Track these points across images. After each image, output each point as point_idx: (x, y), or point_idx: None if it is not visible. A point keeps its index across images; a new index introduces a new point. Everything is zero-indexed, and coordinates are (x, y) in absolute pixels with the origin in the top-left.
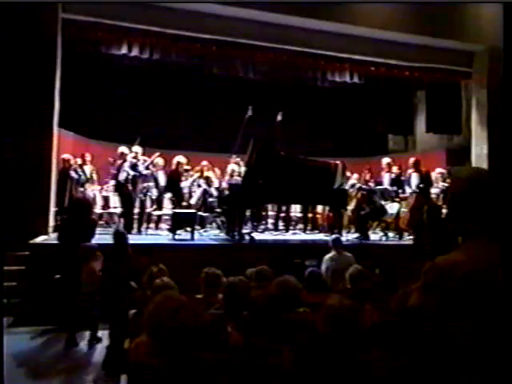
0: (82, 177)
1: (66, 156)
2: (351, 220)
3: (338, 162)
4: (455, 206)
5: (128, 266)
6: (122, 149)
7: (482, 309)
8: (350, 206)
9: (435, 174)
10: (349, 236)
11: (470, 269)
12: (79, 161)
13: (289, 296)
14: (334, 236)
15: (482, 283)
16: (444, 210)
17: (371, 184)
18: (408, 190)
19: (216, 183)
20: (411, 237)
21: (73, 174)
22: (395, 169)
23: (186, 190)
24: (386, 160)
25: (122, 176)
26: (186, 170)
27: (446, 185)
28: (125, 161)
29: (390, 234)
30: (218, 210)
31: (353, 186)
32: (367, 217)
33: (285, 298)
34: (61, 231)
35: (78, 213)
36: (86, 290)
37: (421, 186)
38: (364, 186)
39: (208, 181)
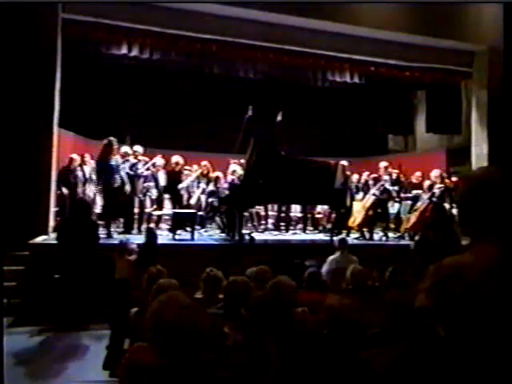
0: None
1: (74, 156)
2: (361, 223)
3: (343, 162)
4: (464, 206)
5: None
6: (125, 148)
7: (490, 311)
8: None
9: (433, 174)
10: (349, 237)
11: (477, 270)
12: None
13: (283, 296)
14: (340, 237)
15: (490, 285)
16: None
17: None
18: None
19: (221, 182)
20: (416, 237)
21: (79, 173)
22: (394, 173)
23: (184, 191)
24: (383, 164)
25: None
26: (185, 170)
27: (442, 186)
28: (127, 161)
29: (390, 234)
30: (219, 209)
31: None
32: (376, 219)
33: (279, 299)
34: (60, 231)
35: (79, 213)
36: (120, 276)
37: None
38: (376, 192)
39: (216, 181)
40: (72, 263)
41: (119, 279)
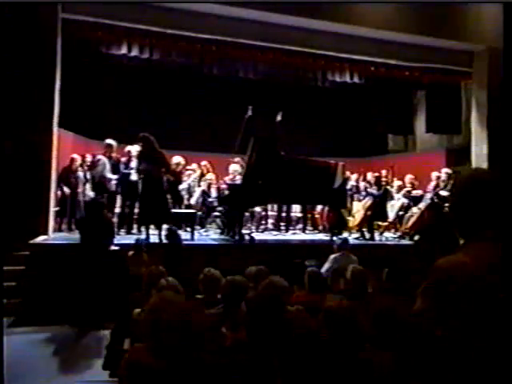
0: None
1: (75, 156)
2: (360, 223)
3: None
4: (456, 206)
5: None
6: (130, 148)
7: (484, 310)
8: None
9: (435, 175)
10: (349, 237)
11: (471, 270)
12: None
13: (275, 296)
14: (342, 237)
15: (484, 284)
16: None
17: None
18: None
19: (214, 184)
20: (415, 237)
21: (80, 173)
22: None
23: (185, 192)
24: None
25: (133, 176)
26: (186, 170)
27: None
28: (130, 160)
29: (388, 235)
30: (219, 209)
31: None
32: (374, 218)
33: (271, 299)
34: (81, 232)
35: (96, 212)
36: (135, 273)
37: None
38: (374, 192)
39: (208, 182)
40: (95, 263)
41: (134, 276)
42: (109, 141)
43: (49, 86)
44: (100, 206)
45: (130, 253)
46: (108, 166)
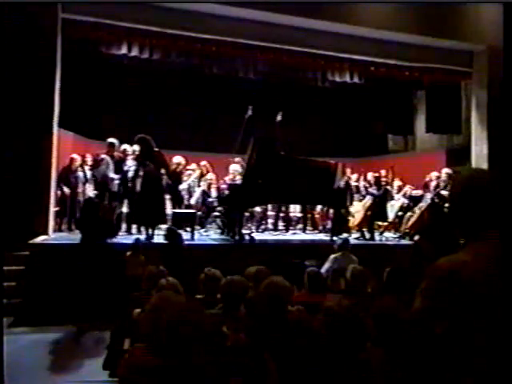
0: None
1: (74, 156)
2: (360, 223)
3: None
4: (456, 206)
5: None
6: (125, 146)
7: (484, 309)
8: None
9: (434, 175)
10: (349, 237)
11: (472, 269)
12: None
13: (277, 297)
14: (342, 237)
15: (484, 284)
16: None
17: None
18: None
19: (214, 184)
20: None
21: (80, 173)
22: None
23: (185, 192)
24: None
25: (129, 174)
26: (186, 170)
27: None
28: (126, 159)
29: (388, 235)
30: (219, 209)
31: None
32: (374, 218)
33: (273, 299)
34: (82, 231)
35: (91, 212)
36: (132, 273)
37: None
38: (374, 192)
39: (208, 182)
40: (97, 261)
41: (131, 276)
42: (111, 140)
43: (49, 86)
44: (95, 206)
45: (128, 253)
46: (111, 166)
